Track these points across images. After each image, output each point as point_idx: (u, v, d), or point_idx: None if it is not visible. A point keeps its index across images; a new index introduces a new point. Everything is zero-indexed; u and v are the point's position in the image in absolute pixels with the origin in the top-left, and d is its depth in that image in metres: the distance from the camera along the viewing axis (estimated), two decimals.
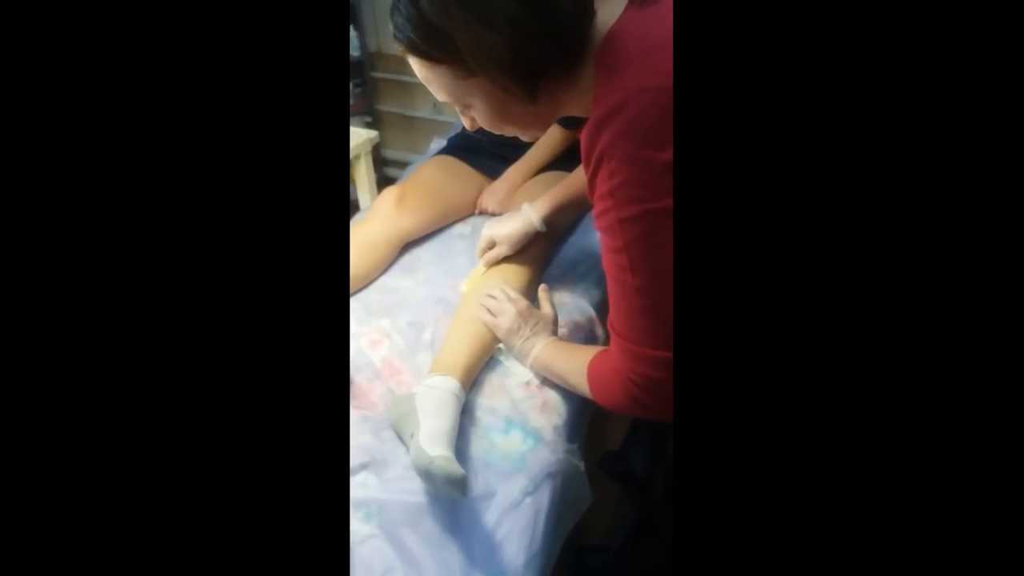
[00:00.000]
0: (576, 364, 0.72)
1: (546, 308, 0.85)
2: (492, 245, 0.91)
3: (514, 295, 0.84)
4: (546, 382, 0.80)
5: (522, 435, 0.72)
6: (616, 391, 0.62)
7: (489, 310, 0.82)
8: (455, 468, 0.58)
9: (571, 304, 0.94)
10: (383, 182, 2.36)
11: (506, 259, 0.92)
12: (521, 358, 0.80)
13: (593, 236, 1.11)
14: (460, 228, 1.14)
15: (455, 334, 0.81)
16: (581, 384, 0.70)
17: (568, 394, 0.79)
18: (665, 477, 0.90)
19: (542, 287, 0.89)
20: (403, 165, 2.40)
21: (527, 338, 0.79)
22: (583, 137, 0.56)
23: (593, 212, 0.59)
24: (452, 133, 1.36)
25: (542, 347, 0.78)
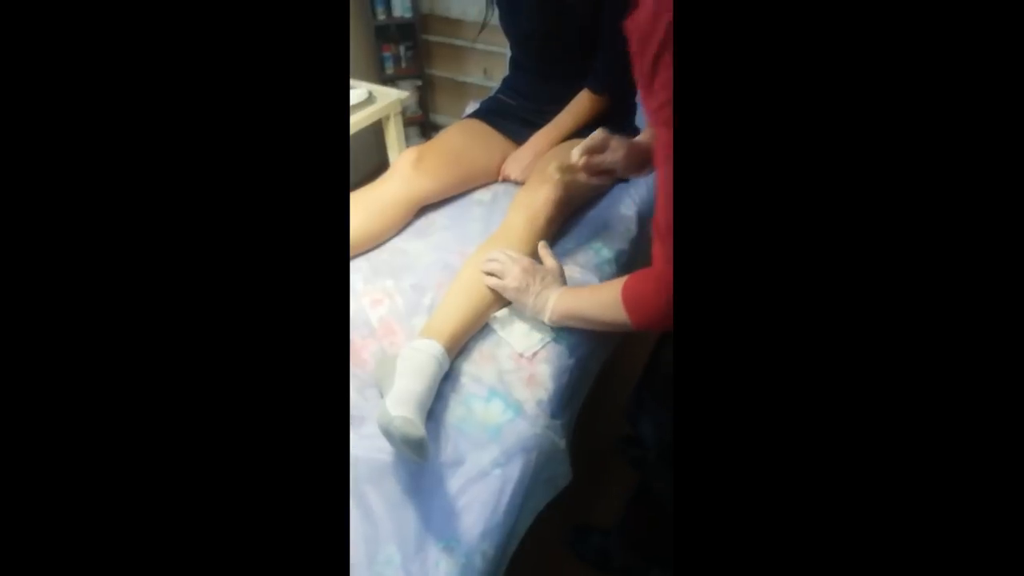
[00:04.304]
0: (605, 297, 0.69)
1: (549, 261, 0.83)
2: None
3: (515, 254, 0.81)
4: (540, 355, 0.78)
5: (503, 406, 0.71)
6: (660, 302, 0.61)
7: (493, 273, 0.80)
8: (413, 430, 0.57)
9: (580, 279, 0.91)
10: None
11: (515, 228, 0.90)
12: (538, 313, 0.78)
13: (612, 214, 1.06)
14: (480, 195, 1.12)
15: (449, 300, 0.80)
16: (615, 315, 0.68)
17: (558, 370, 0.76)
18: (661, 440, 0.87)
19: (541, 243, 0.86)
20: None
21: (539, 292, 0.77)
22: (634, 23, 0.53)
23: (650, 104, 0.56)
24: (487, 97, 1.33)
25: (557, 297, 0.76)
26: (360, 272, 0.93)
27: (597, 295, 0.72)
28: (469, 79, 2.25)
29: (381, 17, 2.04)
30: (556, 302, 0.75)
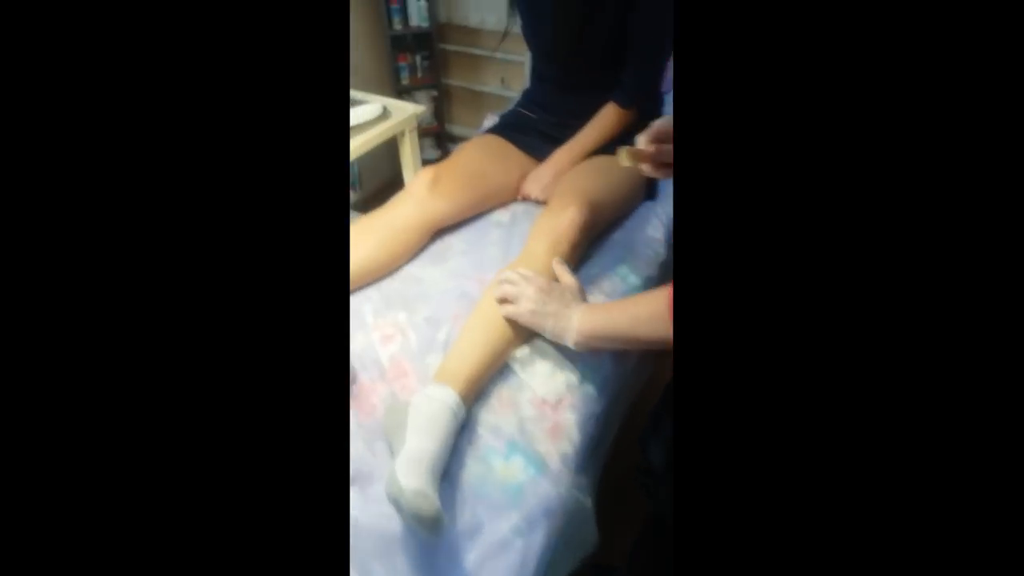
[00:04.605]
0: (644, 310, 0.62)
1: (566, 278, 0.75)
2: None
3: (528, 273, 0.73)
4: (565, 401, 0.71)
5: (524, 462, 0.64)
6: None
7: (506, 299, 0.72)
8: (426, 506, 0.51)
9: None
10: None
11: (537, 255, 0.83)
12: (560, 336, 0.69)
13: (638, 236, 0.99)
14: (499, 215, 1.06)
15: (465, 338, 0.73)
16: (658, 330, 0.60)
17: (584, 418, 0.69)
18: (672, 466, 0.79)
19: (555, 260, 0.79)
20: None
21: (558, 313, 0.69)
22: None
23: None
24: (507, 110, 1.27)
25: (582, 315, 0.68)
26: (370, 303, 0.87)
27: (633, 309, 0.65)
28: (486, 89, 2.20)
29: (398, 27, 2.00)
30: (581, 321, 0.68)
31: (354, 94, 1.29)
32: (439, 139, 2.37)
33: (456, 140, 2.42)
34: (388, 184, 2.18)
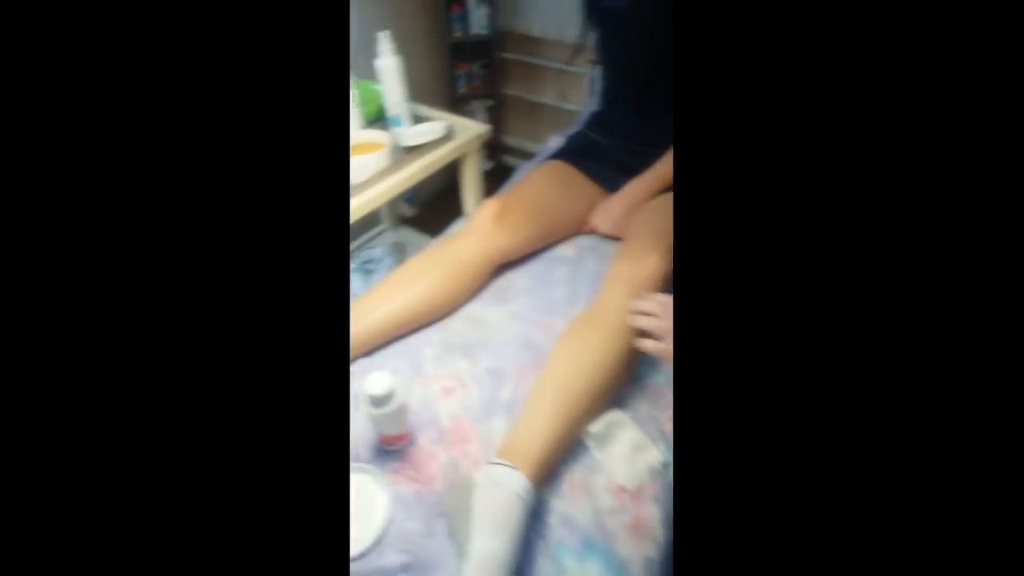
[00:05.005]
0: None
1: None
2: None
3: (672, 303, 0.61)
4: (647, 490, 0.62)
5: (603, 566, 0.56)
6: None
7: (649, 334, 0.60)
8: None
9: None
10: (498, 172, 2.24)
11: (615, 310, 0.74)
12: None
13: None
14: (563, 250, 0.98)
15: (534, 407, 0.65)
16: None
17: (669, 514, 0.60)
18: None
19: None
20: (522, 154, 2.27)
21: None
22: None
23: None
24: (572, 130, 1.19)
25: None
26: (431, 347, 0.80)
27: None
28: (543, 99, 2.12)
29: (457, 35, 1.94)
30: None
31: (417, 108, 1.23)
32: (493, 150, 2.31)
33: (510, 151, 2.35)
34: (442, 195, 2.12)
